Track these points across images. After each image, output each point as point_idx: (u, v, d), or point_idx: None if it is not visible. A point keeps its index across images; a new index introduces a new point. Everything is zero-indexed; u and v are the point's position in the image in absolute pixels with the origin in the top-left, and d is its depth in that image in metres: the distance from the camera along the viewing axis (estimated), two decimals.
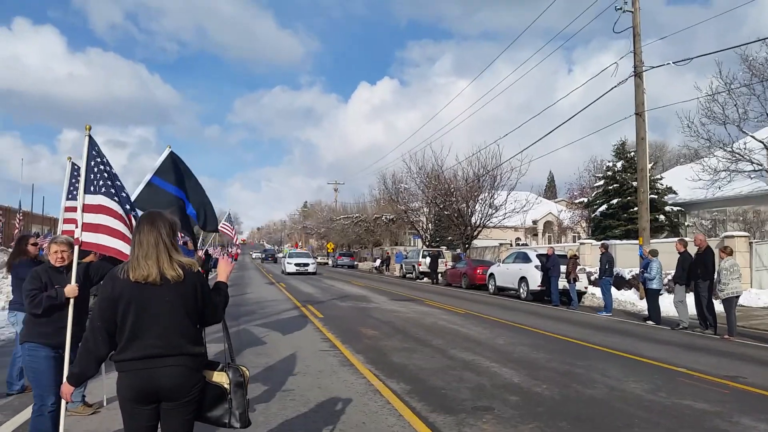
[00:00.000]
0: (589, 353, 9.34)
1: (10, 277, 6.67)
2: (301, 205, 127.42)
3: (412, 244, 53.22)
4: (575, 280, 17.39)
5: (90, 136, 4.91)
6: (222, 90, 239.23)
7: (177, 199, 6.34)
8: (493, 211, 34.86)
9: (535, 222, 52.33)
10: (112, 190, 4.97)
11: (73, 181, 6.50)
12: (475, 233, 35.36)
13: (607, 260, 16.21)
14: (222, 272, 3.18)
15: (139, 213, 7.33)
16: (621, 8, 18.70)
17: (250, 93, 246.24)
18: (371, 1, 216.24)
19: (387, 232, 59.83)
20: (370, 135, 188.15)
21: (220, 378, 2.95)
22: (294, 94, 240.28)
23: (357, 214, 64.17)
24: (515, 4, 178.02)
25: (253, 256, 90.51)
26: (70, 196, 6.31)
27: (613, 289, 18.35)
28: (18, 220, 30.26)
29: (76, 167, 6.37)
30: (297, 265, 37.60)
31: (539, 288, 18.73)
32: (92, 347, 2.78)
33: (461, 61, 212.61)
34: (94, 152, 4.92)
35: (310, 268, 37.43)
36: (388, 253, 48.17)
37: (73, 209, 6.74)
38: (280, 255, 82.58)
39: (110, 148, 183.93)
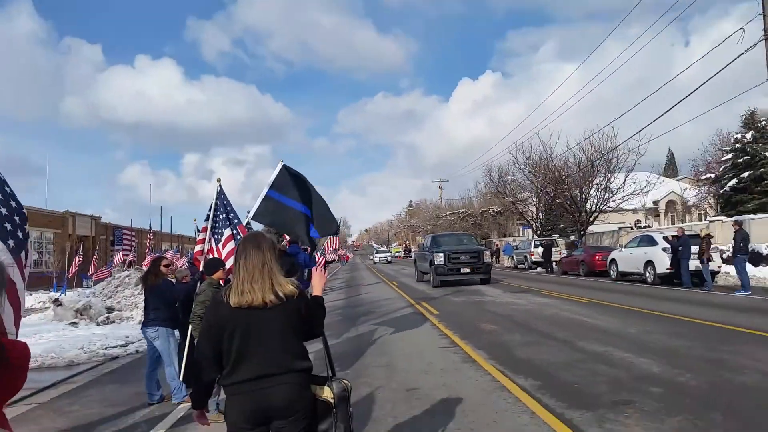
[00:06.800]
0: (734, 337, 8.52)
1: (144, 294, 7.08)
2: (407, 205, 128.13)
3: (521, 235, 51.92)
4: (709, 260, 16.12)
5: (220, 186, 7.13)
6: (327, 103, 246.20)
7: (298, 213, 6.45)
8: (610, 195, 33.13)
9: (656, 202, 49.36)
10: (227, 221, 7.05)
11: (218, 204, 7.12)
12: (591, 219, 33.77)
13: (741, 237, 15.01)
14: (317, 286, 3.17)
15: (253, 225, 7.68)
16: None
17: (354, 102, 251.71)
18: None
19: (494, 225, 58.79)
20: (473, 131, 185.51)
21: (325, 392, 2.92)
22: (395, 99, 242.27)
23: (463, 209, 63.55)
24: None
25: (376, 260, 68.28)
26: (216, 222, 7.08)
27: (750, 267, 16.83)
28: (148, 240, 32.77)
29: (221, 192, 7.10)
30: None
31: (668, 270, 17.50)
32: (200, 372, 2.82)
33: (566, 45, 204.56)
34: (223, 197, 7.03)
35: None
36: (497, 245, 47.24)
37: (204, 230, 7.33)
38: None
39: (229, 168, 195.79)
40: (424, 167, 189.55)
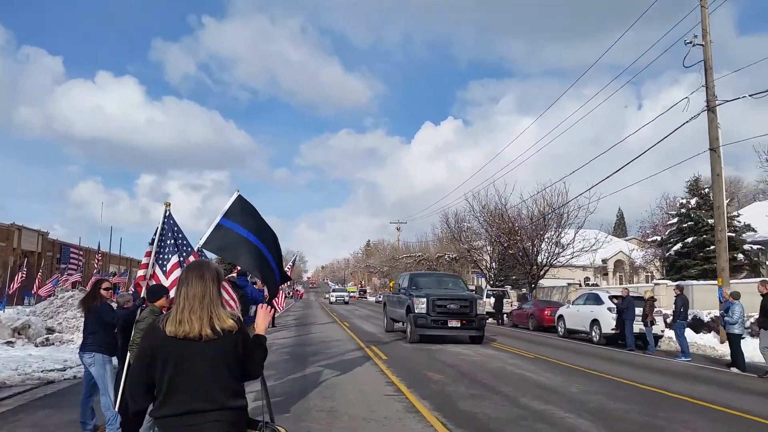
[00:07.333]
0: (671, 403, 8.77)
1: (84, 317, 6.88)
2: (364, 244, 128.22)
3: (475, 283, 52.42)
4: (652, 323, 16.60)
5: (168, 211, 6.61)
6: (290, 134, 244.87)
7: (247, 241, 6.45)
8: (560, 249, 33.99)
9: (605, 261, 50.75)
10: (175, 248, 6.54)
11: (165, 229, 6.94)
12: (542, 272, 34.50)
13: (681, 303, 15.48)
14: (260, 325, 3.07)
15: (206, 253, 7.57)
16: (691, 42, 18.17)
17: (317, 136, 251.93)
18: (432, 44, 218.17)
19: (449, 271, 59.26)
20: (433, 174, 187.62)
21: None
22: (358, 137, 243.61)
23: (419, 253, 63.96)
24: (580, 41, 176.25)
25: (332, 299, 64.38)
26: (161, 248, 6.86)
27: (691, 333, 17.39)
28: (96, 261, 31.80)
29: (169, 217, 6.93)
30: None
31: (613, 331, 17.92)
32: (130, 400, 2.74)
33: (525, 99, 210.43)
34: (171, 222, 6.64)
35: None
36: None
37: (148, 254, 7.11)
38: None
39: (186, 192, 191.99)
40: (384, 206, 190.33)
